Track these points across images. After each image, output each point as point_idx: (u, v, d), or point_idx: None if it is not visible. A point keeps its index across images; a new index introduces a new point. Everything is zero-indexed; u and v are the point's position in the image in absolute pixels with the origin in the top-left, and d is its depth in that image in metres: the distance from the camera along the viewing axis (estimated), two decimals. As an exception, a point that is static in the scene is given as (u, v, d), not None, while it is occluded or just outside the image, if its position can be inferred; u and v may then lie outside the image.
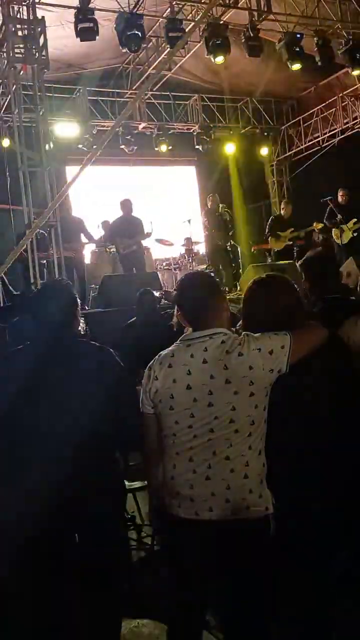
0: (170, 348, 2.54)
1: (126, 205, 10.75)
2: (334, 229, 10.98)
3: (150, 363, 2.56)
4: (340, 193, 10.96)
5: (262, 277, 2.74)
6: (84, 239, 10.23)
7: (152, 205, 12.75)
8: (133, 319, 6.42)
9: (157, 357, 2.56)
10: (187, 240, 12.04)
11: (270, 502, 2.35)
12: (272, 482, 2.38)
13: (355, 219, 10.75)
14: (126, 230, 10.47)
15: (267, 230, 11.81)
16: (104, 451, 2.64)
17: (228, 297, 7.09)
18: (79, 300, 2.86)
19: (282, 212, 11.94)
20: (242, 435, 2.31)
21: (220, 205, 11.25)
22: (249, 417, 2.32)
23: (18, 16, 8.51)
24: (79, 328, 4.36)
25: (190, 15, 10.44)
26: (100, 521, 2.52)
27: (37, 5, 8.51)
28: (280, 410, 2.40)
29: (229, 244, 11.38)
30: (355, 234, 10.70)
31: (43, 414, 2.52)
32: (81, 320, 4.46)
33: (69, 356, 2.65)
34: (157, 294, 8.19)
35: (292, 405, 2.47)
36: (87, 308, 9.33)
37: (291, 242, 11.24)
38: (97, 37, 9.00)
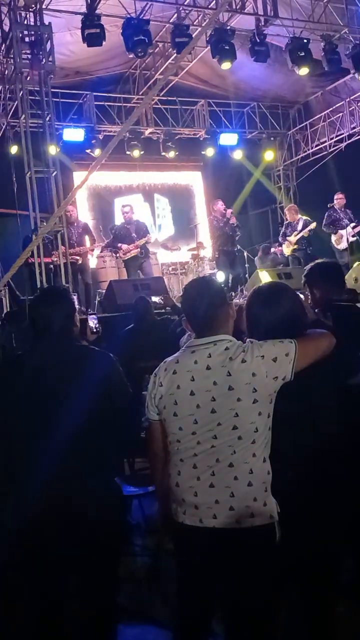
0: (175, 354, 2.54)
1: (126, 210, 10.78)
2: (332, 235, 11.00)
3: (156, 369, 2.56)
4: (337, 197, 10.98)
5: (263, 285, 2.74)
6: (88, 242, 10.25)
7: (158, 210, 12.78)
8: (131, 325, 6.46)
9: (162, 363, 2.55)
10: (199, 244, 12.05)
11: (275, 510, 2.34)
12: (277, 489, 2.37)
13: (354, 223, 10.76)
14: (126, 236, 10.50)
15: (280, 237, 11.89)
16: (103, 458, 2.63)
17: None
18: (77, 305, 2.86)
19: (287, 217, 11.97)
20: (245, 442, 2.30)
21: (227, 211, 11.26)
22: (253, 424, 2.31)
23: (25, 22, 8.57)
24: (94, 328, 4.41)
25: (197, 20, 10.46)
26: (97, 530, 2.51)
27: (44, 12, 8.56)
28: (284, 417, 2.39)
29: (235, 249, 11.39)
30: (355, 238, 10.71)
31: (44, 418, 2.52)
32: (94, 320, 4.52)
33: (70, 362, 2.66)
34: (157, 299, 8.20)
35: (296, 411, 2.46)
36: (94, 313, 9.34)
37: (298, 246, 11.25)
38: (103, 43, 9.04)
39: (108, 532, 2.56)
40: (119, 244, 10.56)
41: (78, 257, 9.88)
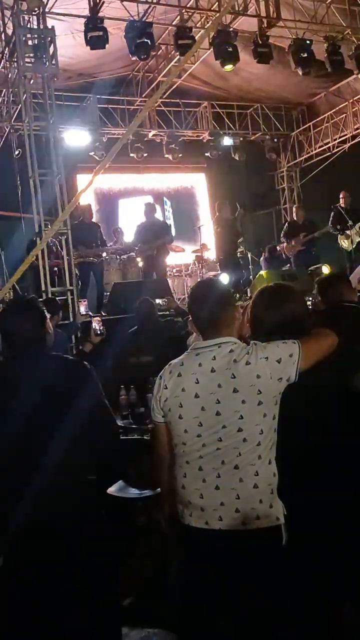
0: (180, 357, 2.54)
1: (147, 208, 10.76)
2: (340, 236, 10.98)
3: (161, 372, 2.56)
4: (342, 196, 10.96)
5: (269, 286, 2.75)
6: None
7: (166, 212, 12.80)
8: (135, 327, 6.46)
9: (167, 365, 2.56)
10: (203, 246, 12.05)
11: (281, 512, 2.34)
12: (283, 490, 2.37)
13: None
14: (147, 235, 10.49)
15: (282, 236, 11.86)
16: (78, 474, 2.59)
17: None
18: (47, 313, 2.81)
19: (294, 217, 11.95)
20: (250, 444, 2.30)
21: (231, 212, 11.25)
22: (258, 426, 2.31)
23: (28, 25, 8.58)
24: (98, 330, 4.39)
25: (200, 23, 10.46)
26: (82, 548, 2.49)
27: (47, 15, 8.57)
28: (289, 418, 2.39)
29: (239, 250, 11.37)
30: None
31: (13, 431, 2.46)
32: (99, 323, 4.50)
33: (42, 372, 2.60)
34: (161, 301, 8.20)
35: (301, 411, 2.46)
36: (103, 314, 9.35)
37: (304, 247, 11.23)
38: (106, 46, 9.04)
39: (103, 533, 2.57)
40: (138, 244, 10.56)
41: (97, 257, 9.90)
